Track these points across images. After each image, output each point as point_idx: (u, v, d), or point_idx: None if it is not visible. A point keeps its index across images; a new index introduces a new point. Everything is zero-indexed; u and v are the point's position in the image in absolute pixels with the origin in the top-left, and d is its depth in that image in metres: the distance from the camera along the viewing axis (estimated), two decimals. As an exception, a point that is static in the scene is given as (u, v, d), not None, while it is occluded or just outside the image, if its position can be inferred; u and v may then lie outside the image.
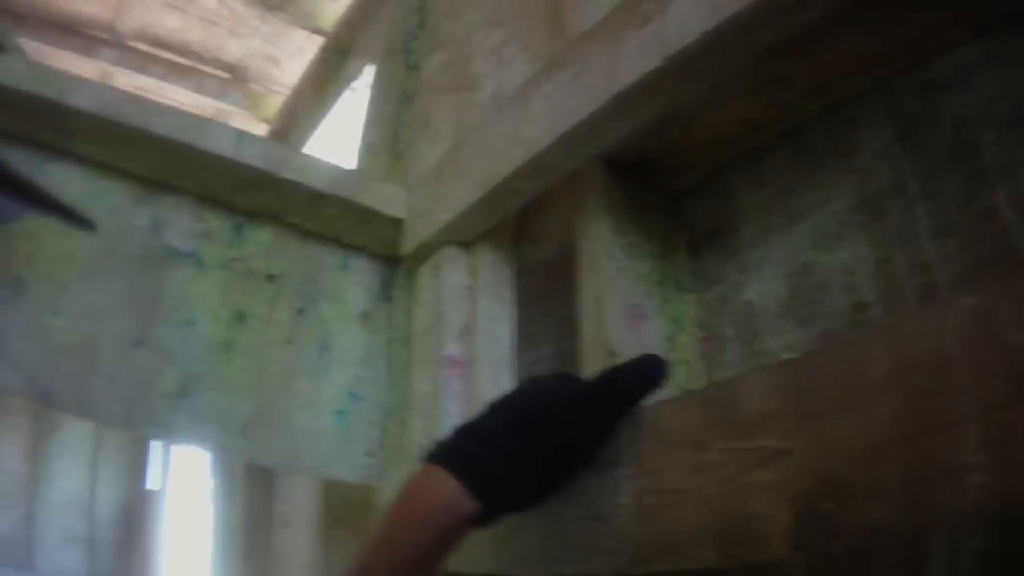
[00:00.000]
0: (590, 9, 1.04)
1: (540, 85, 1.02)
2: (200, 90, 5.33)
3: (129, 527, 10.94)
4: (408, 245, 1.32)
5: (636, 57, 0.84)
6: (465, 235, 1.22)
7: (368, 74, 2.98)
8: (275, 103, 5.21)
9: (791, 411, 0.55)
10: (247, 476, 3.28)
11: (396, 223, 1.35)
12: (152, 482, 9.87)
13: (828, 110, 0.87)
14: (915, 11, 0.74)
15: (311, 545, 2.27)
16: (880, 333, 0.52)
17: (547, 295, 1.19)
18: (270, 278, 1.33)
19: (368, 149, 1.84)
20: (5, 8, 4.69)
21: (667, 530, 0.62)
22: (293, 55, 5.01)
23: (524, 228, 1.24)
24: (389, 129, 1.71)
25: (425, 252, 1.29)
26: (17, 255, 1.21)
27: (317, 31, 4.65)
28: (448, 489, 0.64)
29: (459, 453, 0.67)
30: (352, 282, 1.38)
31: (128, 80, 5.03)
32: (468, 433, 0.70)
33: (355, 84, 3.31)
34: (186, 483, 7.11)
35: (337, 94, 3.47)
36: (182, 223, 1.29)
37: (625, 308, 0.91)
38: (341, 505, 2.00)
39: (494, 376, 1.12)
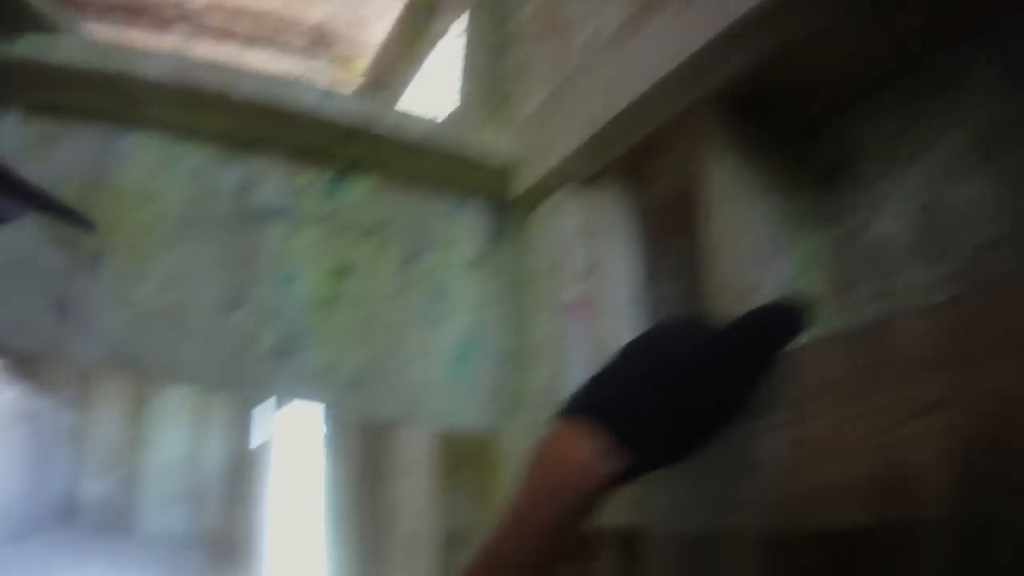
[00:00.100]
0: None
1: (643, 23, 1.02)
2: (281, 57, 5.40)
3: (235, 483, 11.65)
4: (517, 189, 1.35)
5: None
6: (578, 176, 1.23)
7: (456, 28, 2.98)
8: (361, 66, 5.23)
9: (951, 357, 0.54)
10: (360, 425, 3.39)
11: (502, 168, 1.37)
12: (260, 436, 10.43)
13: (943, 43, 0.85)
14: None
15: (427, 494, 2.35)
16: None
17: (666, 235, 1.20)
18: (374, 229, 1.37)
19: (466, 100, 1.86)
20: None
21: (815, 484, 0.63)
22: (378, 16, 5.01)
23: (639, 168, 1.24)
24: (485, 79, 1.72)
25: (536, 195, 1.31)
26: (95, 225, 1.27)
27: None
28: (591, 448, 0.62)
29: (599, 407, 0.65)
30: (461, 229, 1.41)
31: (205, 52, 5.12)
32: (604, 385, 0.68)
33: (444, 39, 3.32)
34: (295, 435, 7.39)
35: (425, 51, 3.49)
36: (273, 181, 1.34)
37: (751, 248, 0.91)
38: (458, 453, 2.08)
39: (619, 319, 1.14)
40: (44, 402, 9.72)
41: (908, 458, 0.55)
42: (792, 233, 0.96)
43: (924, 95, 0.88)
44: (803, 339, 0.70)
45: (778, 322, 0.70)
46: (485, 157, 1.36)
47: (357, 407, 1.31)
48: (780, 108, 1.00)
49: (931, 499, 0.53)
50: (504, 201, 1.41)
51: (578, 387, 0.71)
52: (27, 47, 1.22)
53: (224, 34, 5.28)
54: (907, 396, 0.56)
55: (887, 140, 0.92)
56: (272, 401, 7.04)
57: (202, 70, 1.25)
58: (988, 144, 0.79)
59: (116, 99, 1.26)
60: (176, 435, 11.88)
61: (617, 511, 0.79)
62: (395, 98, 3.78)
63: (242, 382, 1.27)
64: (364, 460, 3.37)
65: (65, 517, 10.92)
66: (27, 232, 1.26)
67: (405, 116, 1.35)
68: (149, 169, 1.30)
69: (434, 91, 3.50)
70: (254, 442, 10.83)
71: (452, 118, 1.92)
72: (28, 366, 7.66)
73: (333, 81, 5.42)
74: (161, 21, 5.18)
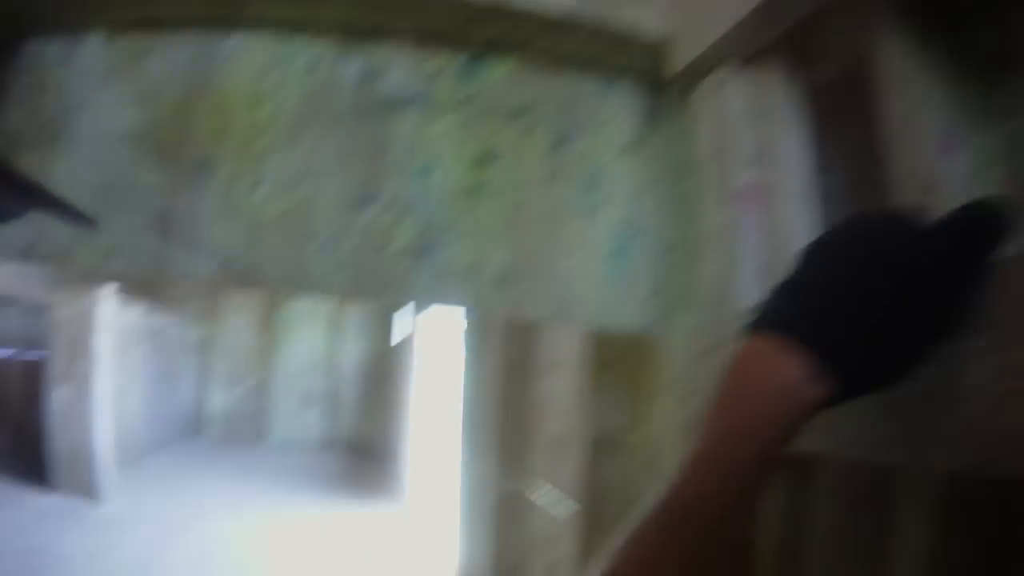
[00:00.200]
0: None
1: None
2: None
3: (373, 384, 12.20)
4: (673, 67, 1.30)
5: None
6: (740, 54, 1.18)
7: None
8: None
9: None
10: (505, 320, 3.44)
11: (655, 45, 1.32)
12: (399, 334, 10.82)
13: None
14: None
15: (576, 391, 2.39)
16: None
17: (836, 119, 1.14)
18: (517, 113, 1.35)
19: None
20: None
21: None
22: None
23: (806, 46, 1.18)
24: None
25: (694, 74, 1.26)
26: (198, 134, 1.31)
27: None
28: (794, 369, 0.59)
29: (800, 322, 0.61)
30: (614, 110, 1.38)
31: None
32: (802, 294, 0.64)
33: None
34: (436, 331, 7.59)
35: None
36: (400, 68, 1.33)
37: (933, 136, 0.86)
38: (611, 349, 2.10)
39: (794, 208, 1.10)
40: (170, 317, 10.40)
41: None
42: (973, 122, 0.89)
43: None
44: (1010, 248, 0.64)
45: (988, 225, 0.64)
46: (635, 33, 1.31)
47: (504, 308, 1.31)
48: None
49: None
50: (658, 80, 1.36)
51: (769, 295, 0.67)
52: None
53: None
54: None
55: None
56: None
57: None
58: None
59: (216, 3, 1.29)
60: (309, 339, 12.50)
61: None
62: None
63: (375, 287, 1.28)
64: (508, 357, 3.45)
65: (195, 429, 11.81)
66: (120, 149, 1.31)
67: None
68: (257, 70, 1.32)
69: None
70: (393, 340, 11.29)
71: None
72: (151, 282, 8.13)
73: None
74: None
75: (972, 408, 0.62)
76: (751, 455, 0.58)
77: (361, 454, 11.70)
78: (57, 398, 6.58)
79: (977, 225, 0.64)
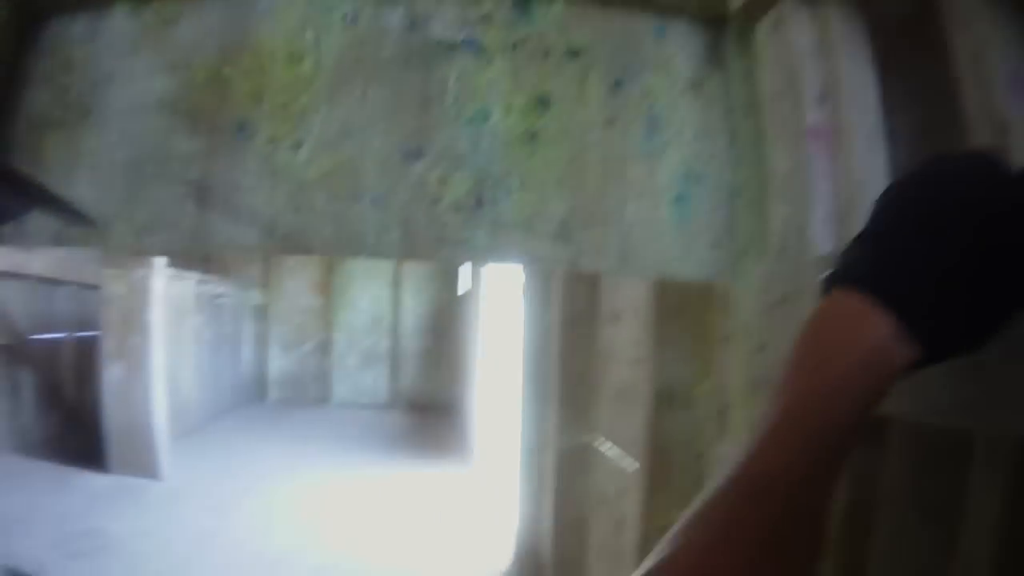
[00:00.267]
0: None
1: None
2: None
3: (435, 339, 12.33)
4: (733, 2, 1.29)
5: None
6: (801, -14, 1.17)
7: None
8: None
9: None
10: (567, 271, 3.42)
11: (715, -24, 1.29)
12: (460, 288, 10.89)
13: None
14: None
15: (641, 340, 2.40)
16: None
17: (903, 56, 1.12)
18: (573, 54, 1.35)
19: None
20: None
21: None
22: None
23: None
24: None
25: (758, 9, 1.25)
26: (234, 97, 1.32)
27: None
28: (879, 331, 0.57)
29: (884, 278, 0.58)
30: (674, 48, 1.37)
31: None
32: (884, 246, 0.61)
33: None
34: (499, 283, 7.59)
35: None
36: (448, 12, 1.33)
37: (1008, 74, 0.84)
38: (676, 297, 2.10)
39: (867, 149, 1.09)
40: (225, 285, 10.65)
41: None
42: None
43: None
44: None
45: None
46: (692, -34, 1.29)
47: (566, 259, 1.31)
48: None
49: None
50: (718, 17, 1.35)
51: (849, 246, 0.64)
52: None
53: None
54: None
55: None
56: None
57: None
58: None
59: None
60: (368, 298, 12.65)
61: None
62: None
63: (428, 246, 1.28)
64: (571, 307, 3.46)
65: (256, 395, 12.16)
66: (153, 120, 1.32)
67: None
68: (294, 24, 1.33)
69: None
70: (455, 294, 11.38)
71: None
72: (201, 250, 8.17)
73: None
74: None
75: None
76: (831, 425, 0.56)
77: (424, 412, 11.87)
78: (110, 376, 6.72)
79: None
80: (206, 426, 9.41)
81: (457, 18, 1.34)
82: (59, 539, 5.02)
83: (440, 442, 9.60)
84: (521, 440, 4.61)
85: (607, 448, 2.92)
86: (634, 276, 2.06)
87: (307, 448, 8.90)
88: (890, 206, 0.64)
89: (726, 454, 1.40)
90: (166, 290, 7.14)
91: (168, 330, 7.23)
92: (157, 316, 6.85)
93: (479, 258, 1.31)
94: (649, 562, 0.53)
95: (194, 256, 8.16)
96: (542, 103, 1.33)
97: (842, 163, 1.10)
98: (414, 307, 12.78)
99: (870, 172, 1.06)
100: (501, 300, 7.45)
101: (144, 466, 6.76)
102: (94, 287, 6.99)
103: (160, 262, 6.84)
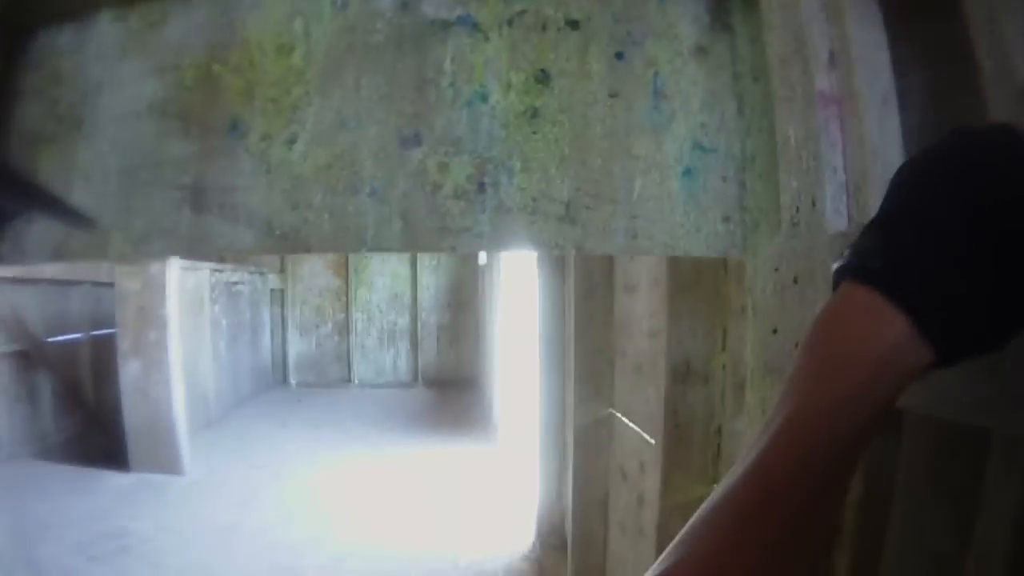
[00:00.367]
0: None
1: None
2: None
3: (453, 315, 12.37)
4: (741, -39, 1.24)
5: None
6: (808, -58, 1.12)
7: None
8: None
9: None
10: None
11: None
12: (477, 263, 10.90)
13: None
14: None
15: (657, 312, 2.38)
16: None
17: (912, 14, 1.07)
18: (572, 25, 1.31)
19: None
20: None
21: None
22: None
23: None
24: None
25: (763, -32, 1.20)
26: (225, 96, 1.30)
27: None
28: (894, 331, 0.54)
29: (900, 273, 0.55)
30: (677, 13, 1.32)
31: None
32: (901, 238, 0.57)
33: None
34: (515, 257, 7.57)
35: None
36: None
37: (1022, 36, 0.80)
38: (691, 268, 2.07)
39: (879, 116, 1.03)
40: (241, 272, 10.71)
41: None
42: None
43: None
44: None
45: None
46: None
47: (573, 242, 1.27)
48: None
49: None
50: (725, -25, 1.29)
51: (863, 234, 0.60)
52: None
53: None
54: None
55: None
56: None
57: None
58: None
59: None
60: (385, 277, 12.68)
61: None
62: None
63: (430, 237, 1.25)
64: (586, 280, 3.43)
65: (278, 380, 12.29)
66: (144, 125, 1.30)
67: None
68: (283, 15, 1.31)
69: None
70: (471, 270, 11.43)
71: None
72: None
73: None
74: None
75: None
76: (842, 430, 0.54)
77: (446, 387, 11.95)
78: (128, 374, 6.77)
79: None
80: (227, 416, 9.47)
81: None
82: (83, 542, 5.07)
83: (462, 418, 9.66)
84: (540, 415, 4.61)
85: (626, 423, 2.91)
86: (643, 255, 2.02)
87: (328, 432, 8.97)
88: (904, 189, 0.60)
89: (743, 431, 1.37)
90: (181, 283, 7.18)
91: (184, 323, 7.27)
92: (173, 310, 6.89)
93: (483, 247, 1.27)
94: (658, 567, 0.53)
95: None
96: (542, 79, 1.30)
97: (854, 132, 1.05)
98: (432, 283, 12.81)
99: (884, 141, 1.02)
100: (519, 271, 7.43)
101: (165, 462, 6.82)
102: (108, 285, 7.01)
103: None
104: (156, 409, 6.76)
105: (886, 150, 1.00)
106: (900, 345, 0.54)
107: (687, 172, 1.29)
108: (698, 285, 2.09)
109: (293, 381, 12.57)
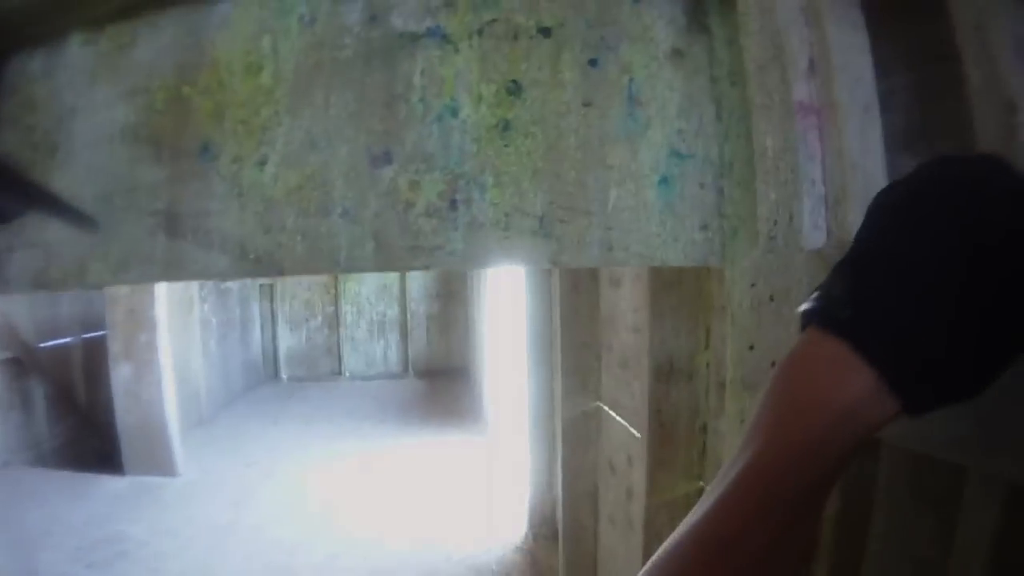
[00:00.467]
0: None
1: None
2: None
3: (443, 301, 12.36)
4: (716, -41, 1.20)
5: None
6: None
7: None
8: None
9: None
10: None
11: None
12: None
13: None
14: None
15: (640, 307, 2.35)
16: None
17: (895, 11, 1.02)
18: (544, 32, 1.27)
19: None
20: None
21: None
22: None
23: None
24: None
25: (740, -33, 1.16)
26: (195, 118, 1.27)
27: None
28: (858, 385, 0.52)
29: (869, 326, 0.53)
30: (653, 15, 1.28)
31: None
32: (871, 283, 0.54)
33: None
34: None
35: None
36: (408, 1, 1.26)
37: (1014, 43, 0.75)
38: (672, 267, 2.04)
39: (860, 127, 0.98)
40: None
41: None
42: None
43: None
44: None
45: None
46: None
47: (550, 256, 1.24)
48: None
49: None
50: (699, -21, 1.25)
51: (832, 274, 0.57)
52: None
53: None
54: None
55: None
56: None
57: None
58: None
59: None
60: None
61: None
62: None
63: (403, 256, 1.22)
64: (573, 271, 3.40)
65: (270, 374, 12.30)
66: (116, 150, 1.27)
67: None
68: (251, 33, 1.27)
69: None
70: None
71: None
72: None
73: None
74: None
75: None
76: (805, 475, 0.53)
77: (436, 378, 11.95)
78: (120, 376, 6.72)
79: None
80: (219, 414, 9.45)
81: (419, 6, 1.26)
82: (81, 548, 5.06)
83: (452, 408, 9.66)
84: (529, 408, 4.59)
85: (613, 417, 2.88)
86: (619, 266, 1.99)
87: (320, 426, 8.96)
88: (881, 225, 0.57)
89: (727, 432, 1.35)
90: (170, 283, 7.10)
91: (174, 323, 7.23)
92: (162, 311, 6.84)
93: (457, 264, 1.23)
94: None
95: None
96: (513, 90, 1.26)
97: (834, 143, 1.01)
98: (421, 272, 12.77)
99: (865, 152, 0.98)
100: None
101: (159, 464, 6.79)
102: (98, 287, 6.93)
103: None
104: (148, 411, 6.72)
105: (867, 162, 0.96)
106: (866, 398, 0.52)
107: (663, 180, 1.25)
108: (680, 283, 2.06)
109: (284, 376, 12.52)
